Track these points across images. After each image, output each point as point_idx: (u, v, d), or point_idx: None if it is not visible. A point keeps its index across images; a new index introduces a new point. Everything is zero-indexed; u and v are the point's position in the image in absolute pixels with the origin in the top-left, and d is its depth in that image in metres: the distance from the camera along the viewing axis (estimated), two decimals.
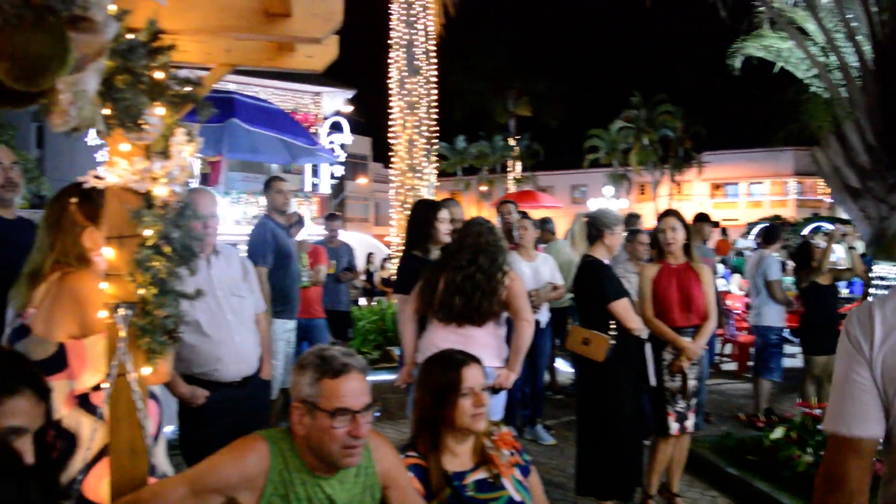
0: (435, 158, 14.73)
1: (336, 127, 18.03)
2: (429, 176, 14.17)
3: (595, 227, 5.14)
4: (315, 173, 18.14)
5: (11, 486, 1.30)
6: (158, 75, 2.21)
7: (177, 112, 2.42)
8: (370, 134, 38.93)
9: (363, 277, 18.04)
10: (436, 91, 14.34)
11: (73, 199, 2.78)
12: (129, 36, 1.96)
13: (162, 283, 2.49)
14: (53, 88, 1.45)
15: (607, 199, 36.90)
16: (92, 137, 15.41)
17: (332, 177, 18.92)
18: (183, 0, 1.96)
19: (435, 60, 14.18)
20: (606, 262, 5.13)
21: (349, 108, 21.55)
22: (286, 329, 6.17)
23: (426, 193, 13.82)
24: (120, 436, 2.58)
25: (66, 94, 1.47)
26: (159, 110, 2.32)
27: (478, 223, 4.66)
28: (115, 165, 2.43)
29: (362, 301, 15.03)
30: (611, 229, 5.11)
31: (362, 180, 38.45)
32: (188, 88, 2.39)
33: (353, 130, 19.03)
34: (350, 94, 20.09)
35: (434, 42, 14.19)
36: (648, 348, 5.12)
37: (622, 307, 4.90)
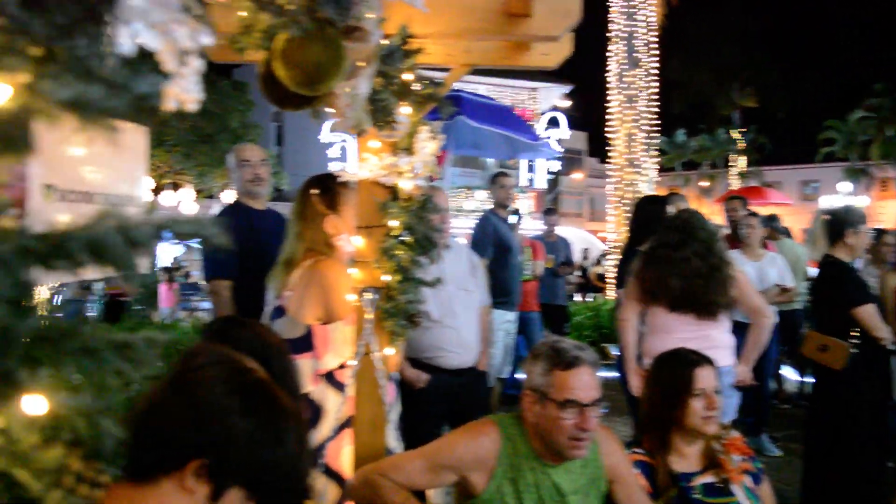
0: (655, 153, 14.33)
1: (553, 122, 18.05)
2: (648, 171, 13.80)
3: (837, 225, 4.77)
4: (531, 168, 18.30)
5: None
6: (407, 77, 2.38)
7: (420, 111, 2.59)
8: (586, 129, 38.54)
9: (578, 273, 17.96)
10: (656, 83, 13.93)
11: (314, 191, 3.05)
12: (384, 42, 2.13)
13: (405, 270, 2.68)
14: (332, 93, 1.62)
15: (844, 196, 33.90)
16: (324, 135, 16.52)
17: (549, 172, 18.99)
18: (431, 5, 2.09)
19: (656, 52, 13.78)
20: (850, 263, 4.75)
21: (566, 103, 21.51)
22: (506, 320, 6.32)
23: (646, 189, 13.48)
24: (363, 410, 2.80)
25: (344, 97, 1.64)
26: (406, 109, 2.50)
27: (689, 212, 4.50)
28: (365, 161, 2.65)
29: (576, 297, 14.97)
30: (854, 228, 4.71)
31: (577, 175, 38.22)
32: (431, 88, 2.54)
33: (570, 125, 18.97)
34: (567, 88, 20.04)
35: (656, 33, 13.79)
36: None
37: (868, 313, 4.52)
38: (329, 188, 3.03)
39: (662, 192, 6.34)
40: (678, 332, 4.15)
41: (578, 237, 21.60)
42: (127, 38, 0.70)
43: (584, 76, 19.52)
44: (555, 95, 20.30)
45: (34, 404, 0.63)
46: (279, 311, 3.00)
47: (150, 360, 0.74)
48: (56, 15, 0.65)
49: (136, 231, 0.67)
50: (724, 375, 3.57)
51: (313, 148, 17.60)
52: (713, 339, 4.13)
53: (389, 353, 2.78)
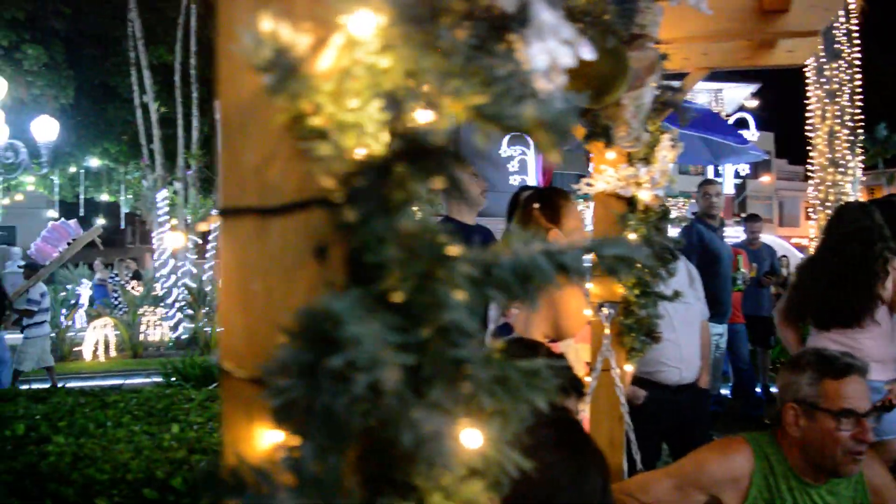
0: (859, 150, 13.26)
1: (741, 123, 17.18)
2: (853, 170, 12.79)
3: None
4: (717, 173, 17.51)
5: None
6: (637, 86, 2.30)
7: (659, 118, 2.50)
8: (772, 129, 36.46)
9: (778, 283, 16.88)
10: (860, 76, 12.89)
11: (536, 205, 3.02)
12: None
13: (645, 284, 2.60)
14: (616, 104, 1.59)
15: None
16: (503, 149, 16.66)
17: (736, 175, 18.09)
18: (677, 10, 2.01)
19: (858, 42, 12.76)
20: None
21: (753, 103, 20.42)
22: (715, 333, 6.02)
23: (850, 190, 12.51)
24: (600, 428, 2.73)
25: (630, 107, 1.60)
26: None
27: (852, 208, 4.11)
28: (601, 173, 2.59)
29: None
30: None
31: (765, 178, 36.17)
32: (669, 95, 2.45)
33: (757, 126, 17.94)
34: (754, 87, 19.01)
35: (857, 22, 12.77)
36: None
37: None
38: (551, 202, 2.99)
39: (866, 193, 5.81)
40: (826, 343, 3.83)
41: (773, 244, 20.37)
42: (541, 54, 0.69)
43: (770, 73, 18.44)
44: (741, 96, 19.32)
45: (470, 436, 0.61)
46: (505, 329, 3.00)
47: (552, 388, 0.71)
48: (471, 34, 0.65)
49: (562, 256, 0.65)
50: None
51: (495, 163, 17.82)
52: (863, 348, 3.76)
53: (628, 370, 2.70)
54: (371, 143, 0.58)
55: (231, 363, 0.66)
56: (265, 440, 0.63)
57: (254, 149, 0.63)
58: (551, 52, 0.71)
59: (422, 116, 0.60)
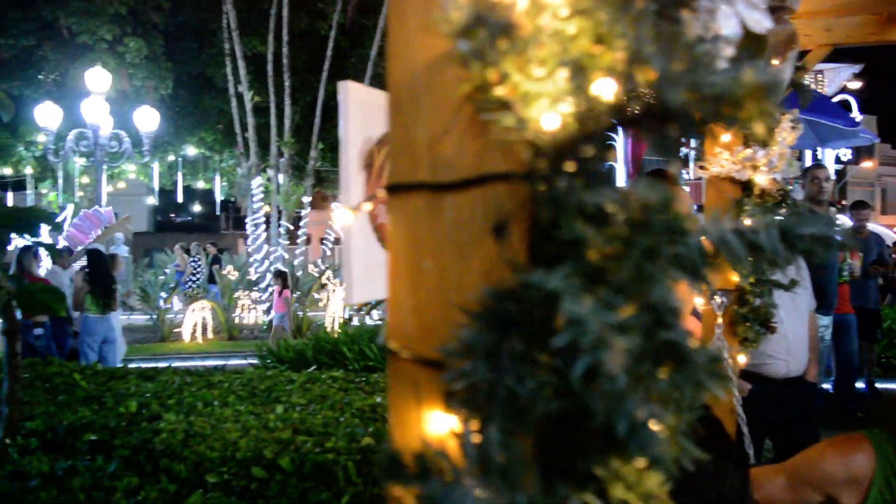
0: None
1: (843, 106, 16.37)
2: None
3: None
4: (815, 157, 16.77)
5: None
6: (773, 62, 2.19)
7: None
8: (875, 111, 34.71)
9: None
10: None
11: None
12: None
13: (761, 272, 2.49)
14: None
15: None
16: None
17: (837, 161, 17.29)
18: None
19: None
20: None
21: (856, 84, 19.48)
22: (821, 325, 5.78)
23: None
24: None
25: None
26: None
27: None
28: (716, 156, 2.49)
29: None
30: None
31: (867, 164, 34.48)
32: (791, 74, 2.32)
33: (860, 109, 17.10)
34: (856, 68, 18.09)
35: None
36: None
37: None
38: None
39: None
40: None
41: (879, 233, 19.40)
42: (730, 19, 0.64)
43: (874, 53, 17.51)
44: (843, 77, 18.41)
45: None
46: None
47: (729, 376, 0.67)
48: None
49: (755, 235, 0.60)
50: None
51: None
52: None
53: (740, 361, 2.60)
54: (558, 113, 0.55)
55: (398, 344, 0.64)
56: (437, 424, 0.61)
57: (427, 122, 0.61)
58: (740, 17, 0.66)
59: (609, 86, 0.56)
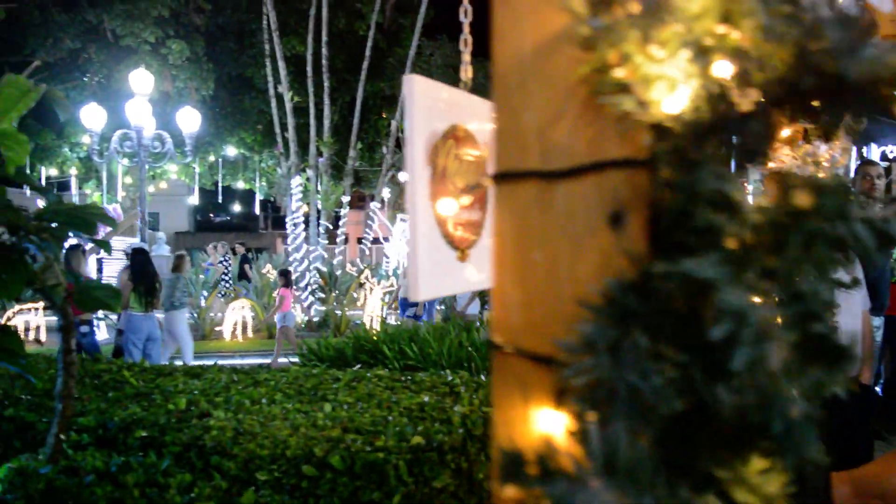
0: None
1: None
2: None
3: None
4: (860, 154, 16.37)
5: None
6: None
7: None
8: None
9: None
10: None
11: None
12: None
13: (823, 270, 2.42)
14: None
15: None
16: None
17: (883, 158, 16.85)
18: None
19: None
20: None
21: None
22: (872, 326, 5.63)
23: None
24: None
25: None
26: None
27: None
28: (776, 151, 2.43)
29: None
30: None
31: None
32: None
33: None
34: None
35: None
36: None
37: None
38: None
39: None
40: None
41: None
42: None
43: None
44: None
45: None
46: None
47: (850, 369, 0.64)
48: None
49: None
50: None
51: None
52: None
53: None
54: (683, 96, 0.52)
55: (504, 338, 0.61)
56: (546, 422, 0.58)
57: (536, 107, 0.58)
58: None
59: (732, 67, 0.53)
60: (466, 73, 1.90)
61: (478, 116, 1.61)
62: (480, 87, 1.46)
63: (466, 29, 1.92)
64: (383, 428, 2.99)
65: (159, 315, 9.40)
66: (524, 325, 0.60)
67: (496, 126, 0.62)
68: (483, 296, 12.63)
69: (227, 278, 16.44)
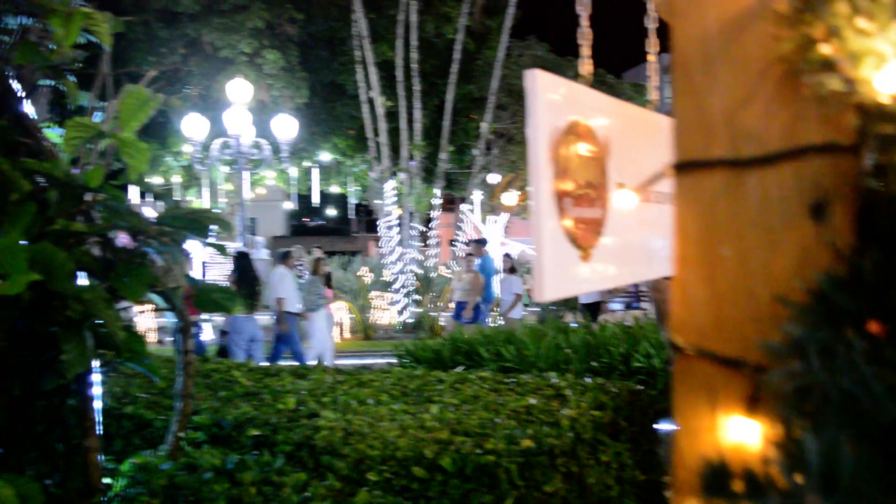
0: None
1: None
2: None
3: None
4: None
5: None
6: None
7: None
8: None
9: None
10: None
11: None
12: None
13: None
14: None
15: None
16: None
17: None
18: None
19: None
20: None
21: None
22: None
23: None
24: None
25: None
26: None
27: None
28: None
29: None
30: None
31: None
32: None
33: None
34: None
35: None
36: None
37: None
38: None
39: None
40: None
41: None
42: None
43: None
44: None
45: None
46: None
47: None
48: None
49: None
50: None
51: None
52: None
53: None
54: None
55: (687, 339, 0.57)
56: (738, 431, 0.54)
57: (724, 90, 0.54)
58: None
59: None
60: (586, 67, 1.86)
61: (597, 112, 1.56)
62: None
63: (584, 22, 1.87)
64: (492, 430, 2.97)
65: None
66: (711, 325, 0.56)
67: (676, 113, 0.58)
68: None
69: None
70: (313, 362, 8.49)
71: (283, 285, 9.82)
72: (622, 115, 1.75)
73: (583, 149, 1.60)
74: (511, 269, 12.87)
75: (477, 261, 12.30)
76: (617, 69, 24.94)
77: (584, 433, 3.10)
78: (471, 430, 2.99)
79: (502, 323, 11.92)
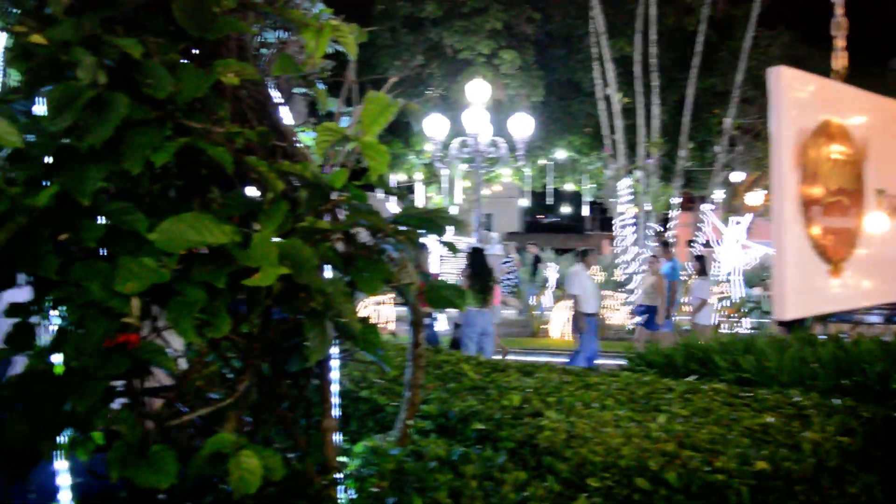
0: None
1: None
2: None
3: None
4: None
5: None
6: None
7: None
8: None
9: None
10: None
11: None
12: None
13: None
14: None
15: None
16: None
17: None
18: None
19: None
20: None
21: None
22: None
23: None
24: None
25: None
26: None
27: None
28: None
29: None
30: None
31: None
32: None
33: None
34: None
35: None
36: None
37: None
38: None
39: None
40: None
41: None
42: None
43: None
44: None
45: None
46: None
47: None
48: None
49: None
50: None
51: None
52: None
53: None
54: None
55: None
56: None
57: None
58: None
59: None
60: (840, 61, 1.69)
61: (853, 109, 1.41)
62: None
63: (839, 11, 1.70)
64: (723, 447, 2.80)
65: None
66: None
67: None
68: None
69: (511, 277, 16.73)
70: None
71: (579, 284, 9.90)
72: (884, 111, 1.58)
73: (835, 151, 1.46)
74: (701, 272, 12.12)
75: (665, 264, 11.75)
76: (883, 57, 22.49)
77: (829, 460, 2.83)
78: (700, 445, 2.84)
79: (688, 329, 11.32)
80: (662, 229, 17.81)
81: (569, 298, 10.11)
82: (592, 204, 28.88)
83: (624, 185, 16.66)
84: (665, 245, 13.03)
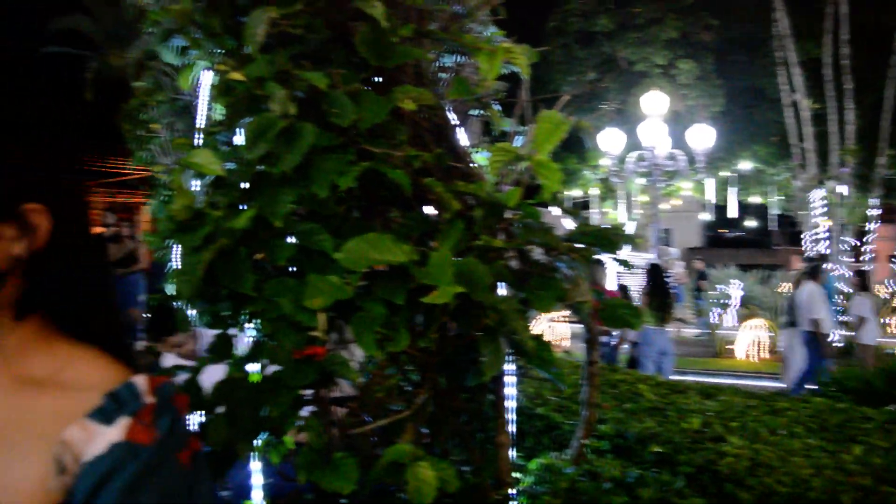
0: None
1: None
2: None
3: None
4: None
5: None
6: None
7: None
8: None
9: None
10: None
11: None
12: None
13: None
14: None
15: None
16: None
17: None
18: None
19: None
20: None
21: None
22: None
23: None
24: None
25: None
26: None
27: None
28: None
29: None
30: None
31: None
32: None
33: None
34: None
35: None
36: None
37: None
38: None
39: None
40: None
41: None
42: None
43: None
44: None
45: None
46: None
47: None
48: None
49: None
50: None
51: None
52: None
53: None
54: None
55: None
56: None
57: None
58: None
59: None
60: None
61: None
62: None
63: None
64: None
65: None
66: None
67: None
68: None
69: (678, 293, 15.94)
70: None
71: (817, 304, 8.95)
72: None
73: None
74: (862, 287, 10.89)
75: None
76: None
77: None
78: None
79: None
80: (858, 243, 16.46)
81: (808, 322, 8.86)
82: (780, 217, 27.26)
83: (815, 197, 15.58)
84: (861, 276, 11.85)
